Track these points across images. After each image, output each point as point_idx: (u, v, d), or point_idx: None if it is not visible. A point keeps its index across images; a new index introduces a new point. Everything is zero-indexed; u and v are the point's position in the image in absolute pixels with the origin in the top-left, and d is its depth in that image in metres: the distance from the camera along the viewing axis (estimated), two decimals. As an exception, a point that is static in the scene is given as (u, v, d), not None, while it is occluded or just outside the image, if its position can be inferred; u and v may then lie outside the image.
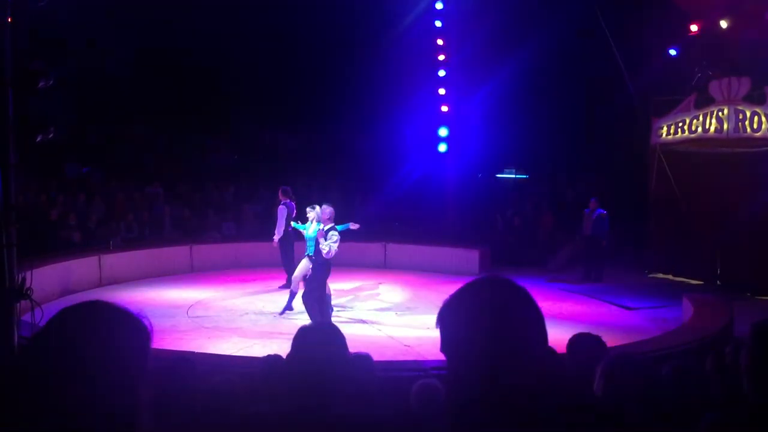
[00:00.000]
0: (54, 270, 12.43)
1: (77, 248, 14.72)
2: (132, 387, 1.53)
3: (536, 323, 1.62)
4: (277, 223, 13.83)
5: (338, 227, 11.11)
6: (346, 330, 2.62)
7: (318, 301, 10.63)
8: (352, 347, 2.51)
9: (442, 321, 1.66)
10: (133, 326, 1.59)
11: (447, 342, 1.65)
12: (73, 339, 1.52)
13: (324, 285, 10.87)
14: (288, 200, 14.02)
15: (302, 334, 2.44)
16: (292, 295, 11.66)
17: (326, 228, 10.65)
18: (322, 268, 10.69)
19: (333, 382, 2.33)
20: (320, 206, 11.27)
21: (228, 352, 9.07)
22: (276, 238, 13.78)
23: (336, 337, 2.43)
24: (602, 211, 15.29)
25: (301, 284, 11.37)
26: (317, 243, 10.62)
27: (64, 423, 1.45)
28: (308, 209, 11.61)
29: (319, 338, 2.44)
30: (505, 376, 1.55)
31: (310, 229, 11.36)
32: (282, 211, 13.82)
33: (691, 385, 3.57)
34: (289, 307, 11.73)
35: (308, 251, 11.36)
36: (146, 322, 1.62)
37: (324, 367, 2.32)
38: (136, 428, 1.54)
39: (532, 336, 1.61)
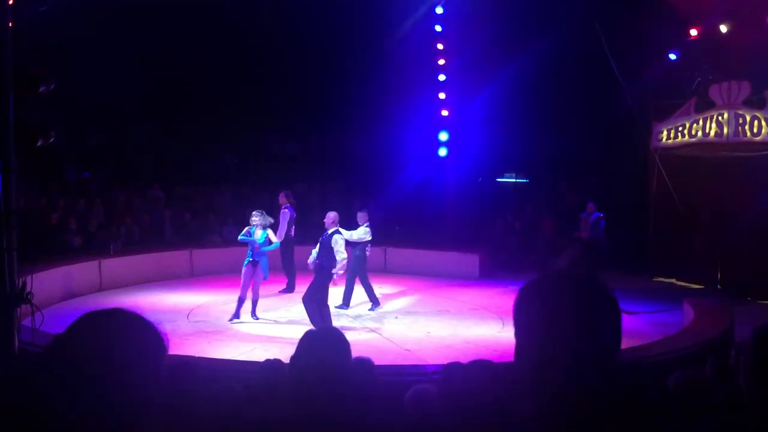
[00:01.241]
0: (54, 274, 12.43)
1: (78, 252, 14.73)
2: (144, 397, 1.53)
3: (611, 330, 1.58)
4: (279, 227, 13.86)
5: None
6: (346, 334, 2.62)
7: (319, 304, 10.63)
8: (353, 351, 2.51)
9: (520, 304, 1.61)
10: (151, 337, 1.60)
11: (520, 326, 1.60)
12: (90, 345, 1.53)
13: (326, 289, 10.85)
14: (289, 204, 14.05)
15: (308, 338, 2.45)
16: (240, 302, 11.65)
17: (330, 231, 10.65)
18: (325, 272, 10.67)
19: (335, 387, 2.33)
20: (271, 212, 11.70)
21: (228, 357, 9.07)
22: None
23: (340, 342, 2.44)
24: (599, 214, 15.30)
25: (250, 292, 11.58)
26: (325, 248, 10.61)
27: (73, 428, 1.46)
28: (254, 213, 11.74)
29: (325, 343, 2.44)
30: (566, 372, 1.52)
31: (256, 235, 11.54)
32: (284, 215, 13.86)
33: (693, 389, 3.58)
34: (236, 314, 11.63)
35: (248, 257, 11.55)
36: (164, 335, 1.63)
37: (326, 372, 2.33)
38: None
39: (604, 340, 1.57)
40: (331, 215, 10.91)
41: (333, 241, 10.60)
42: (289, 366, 2.42)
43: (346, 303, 12.61)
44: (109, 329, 1.57)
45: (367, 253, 12.67)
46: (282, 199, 14.09)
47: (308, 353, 2.39)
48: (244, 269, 11.55)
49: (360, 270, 12.59)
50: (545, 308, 1.58)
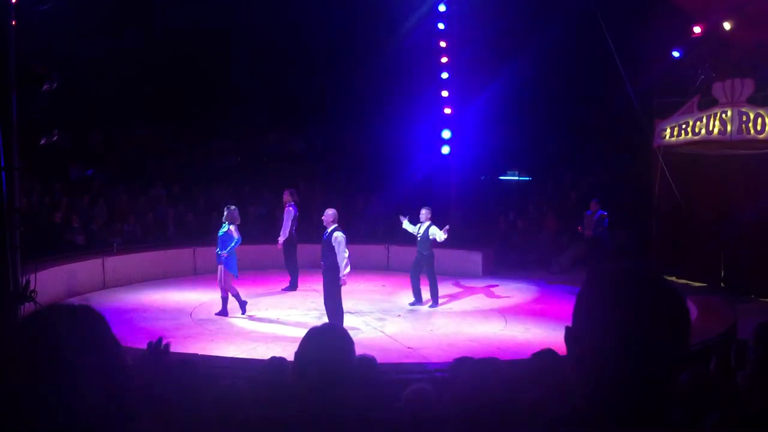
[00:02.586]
0: (58, 272, 12.48)
1: (81, 250, 14.75)
2: (109, 378, 1.49)
3: (676, 332, 1.55)
4: (283, 225, 13.87)
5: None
6: (350, 331, 2.62)
7: (335, 304, 10.58)
8: (356, 349, 2.51)
9: (583, 297, 1.59)
10: (84, 320, 1.54)
11: (580, 319, 1.58)
12: (30, 353, 1.47)
13: (338, 288, 10.72)
14: (293, 202, 14.05)
15: (311, 335, 2.44)
16: (225, 301, 11.84)
17: (330, 229, 10.58)
18: (333, 271, 10.55)
19: (338, 385, 2.33)
20: (233, 206, 11.88)
21: (231, 355, 9.09)
22: (281, 240, 13.82)
23: (344, 340, 2.43)
24: (603, 212, 15.30)
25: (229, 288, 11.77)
26: (327, 248, 10.56)
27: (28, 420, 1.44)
28: (225, 209, 11.85)
29: (328, 341, 2.43)
30: (627, 368, 1.50)
31: (222, 229, 11.74)
32: (288, 213, 13.85)
33: (698, 386, 3.57)
34: (224, 311, 11.82)
35: (218, 249, 11.79)
36: (97, 311, 1.57)
37: (330, 370, 2.32)
38: (119, 421, 1.51)
39: (667, 339, 1.54)
40: (330, 212, 10.72)
41: (333, 239, 10.49)
42: (292, 363, 2.41)
43: (435, 302, 12.87)
44: (40, 331, 1.49)
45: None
46: (286, 196, 14.09)
47: (312, 351, 2.38)
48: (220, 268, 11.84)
49: (428, 266, 12.93)
50: (611, 300, 1.55)
